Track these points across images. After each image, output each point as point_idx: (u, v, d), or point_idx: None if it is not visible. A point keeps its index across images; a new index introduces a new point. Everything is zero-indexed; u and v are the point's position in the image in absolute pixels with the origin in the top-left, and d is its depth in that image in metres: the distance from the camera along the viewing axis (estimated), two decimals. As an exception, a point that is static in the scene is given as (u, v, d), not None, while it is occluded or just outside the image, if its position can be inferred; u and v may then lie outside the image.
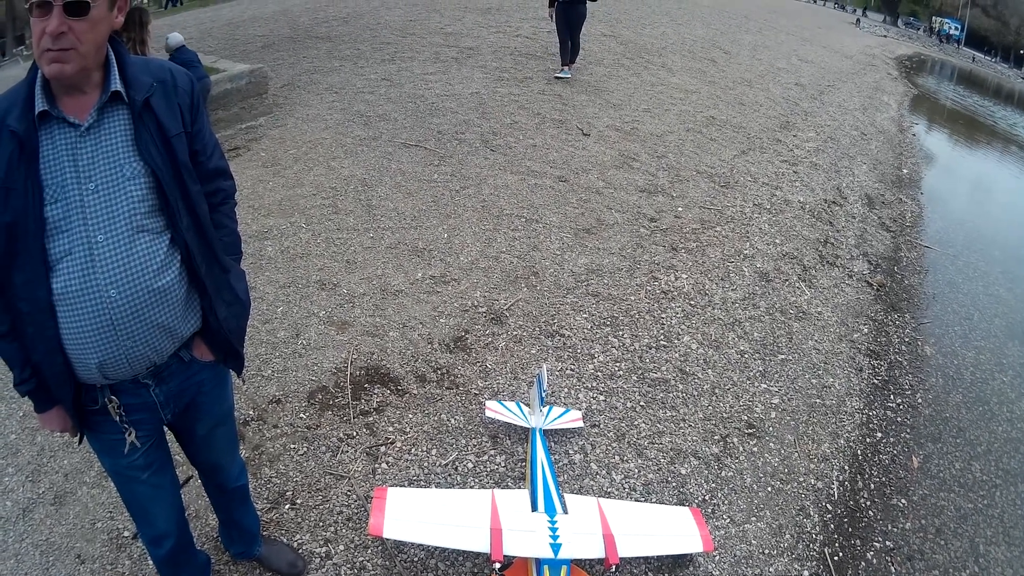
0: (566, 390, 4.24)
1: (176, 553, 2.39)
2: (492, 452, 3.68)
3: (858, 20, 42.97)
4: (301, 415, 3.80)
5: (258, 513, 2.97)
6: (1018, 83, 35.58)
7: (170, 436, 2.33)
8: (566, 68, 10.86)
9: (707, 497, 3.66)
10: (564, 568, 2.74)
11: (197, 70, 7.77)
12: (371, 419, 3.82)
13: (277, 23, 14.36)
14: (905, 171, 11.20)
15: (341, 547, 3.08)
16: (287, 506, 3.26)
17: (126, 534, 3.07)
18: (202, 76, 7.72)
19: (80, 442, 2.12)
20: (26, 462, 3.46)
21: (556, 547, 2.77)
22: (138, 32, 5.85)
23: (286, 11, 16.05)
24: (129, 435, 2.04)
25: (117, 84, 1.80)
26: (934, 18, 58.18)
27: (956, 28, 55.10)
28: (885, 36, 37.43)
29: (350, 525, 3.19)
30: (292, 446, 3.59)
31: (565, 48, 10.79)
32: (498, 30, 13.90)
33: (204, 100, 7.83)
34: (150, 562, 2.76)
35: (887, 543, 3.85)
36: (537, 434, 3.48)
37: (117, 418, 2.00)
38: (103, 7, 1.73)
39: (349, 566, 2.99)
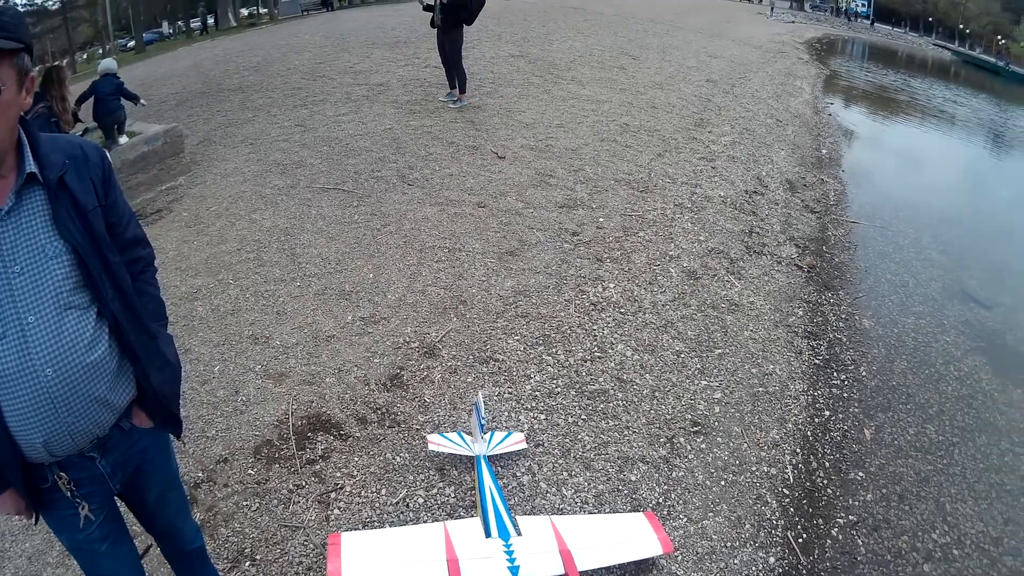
0: (506, 413, 4.33)
1: (143, 622, 2.41)
2: (441, 485, 3.75)
3: (772, 7, 43.78)
4: (249, 471, 3.81)
5: (220, 574, 2.98)
6: (930, 50, 36.77)
7: (124, 509, 2.35)
8: (453, 92, 11.07)
9: (661, 500, 3.77)
10: (523, 589, 2.82)
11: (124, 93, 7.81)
12: (318, 467, 3.85)
13: (189, 78, 14.19)
14: (824, 151, 11.62)
15: (303, 598, 3.11)
16: (247, 563, 3.27)
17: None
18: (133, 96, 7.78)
19: (36, 522, 2.13)
20: (-14, 550, 3.40)
21: (514, 569, 2.86)
22: (58, 90, 5.90)
23: (197, 64, 15.87)
24: (83, 509, 2.06)
25: (32, 166, 1.82)
26: (840, -2, 59.15)
27: (863, 4, 56.12)
28: (793, 22, 38.71)
29: (311, 575, 3.22)
30: (245, 503, 3.60)
31: (449, 72, 11.03)
32: (407, 63, 14.05)
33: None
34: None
35: (851, 517, 4.01)
36: (482, 461, 3.58)
37: (68, 493, 2.02)
38: (12, 91, 1.75)
39: (313, 615, 3.03)
